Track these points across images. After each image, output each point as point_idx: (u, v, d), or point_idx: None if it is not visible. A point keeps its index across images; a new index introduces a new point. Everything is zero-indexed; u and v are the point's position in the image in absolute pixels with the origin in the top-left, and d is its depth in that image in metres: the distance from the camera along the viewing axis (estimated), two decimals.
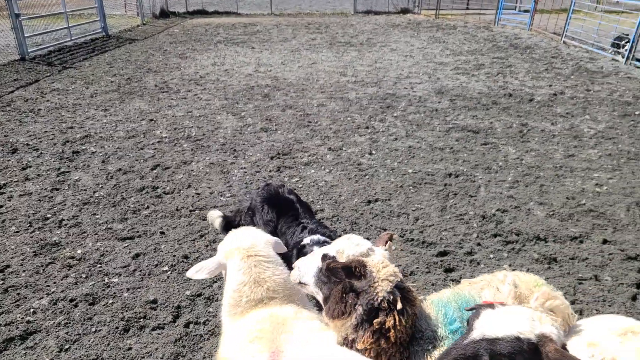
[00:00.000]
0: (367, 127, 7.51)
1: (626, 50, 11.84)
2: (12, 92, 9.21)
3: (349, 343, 2.00)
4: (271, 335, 1.99)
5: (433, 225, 4.79)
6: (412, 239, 4.54)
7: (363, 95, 9.26)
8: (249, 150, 6.60)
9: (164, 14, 20.69)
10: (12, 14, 11.38)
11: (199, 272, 2.28)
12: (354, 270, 1.94)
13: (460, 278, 3.97)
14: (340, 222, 4.82)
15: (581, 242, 4.51)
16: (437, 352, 1.96)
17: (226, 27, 18.26)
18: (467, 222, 4.86)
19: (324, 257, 2.09)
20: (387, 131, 7.35)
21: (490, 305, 1.73)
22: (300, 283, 2.21)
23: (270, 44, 14.79)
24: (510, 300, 2.20)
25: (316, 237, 3.03)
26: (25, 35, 11.88)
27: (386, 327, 1.91)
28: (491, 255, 4.32)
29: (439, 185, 5.63)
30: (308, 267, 2.16)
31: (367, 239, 4.49)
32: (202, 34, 16.55)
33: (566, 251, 4.36)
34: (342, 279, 1.97)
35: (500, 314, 1.67)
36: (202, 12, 22.00)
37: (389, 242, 2.31)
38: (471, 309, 1.81)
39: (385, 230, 4.70)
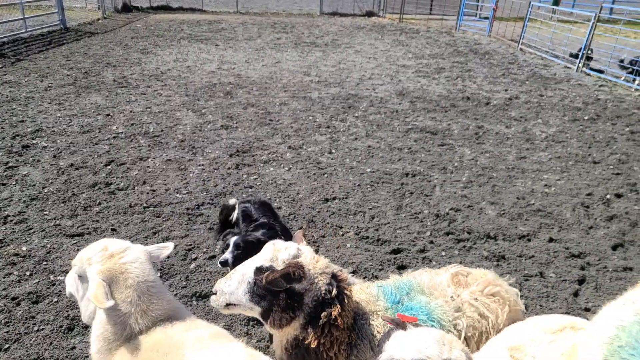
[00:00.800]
0: (328, 127, 7.58)
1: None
2: None
3: (299, 343, 2.03)
4: None
5: (388, 223, 4.89)
6: (367, 237, 4.62)
7: (326, 95, 9.33)
8: (208, 147, 6.53)
9: (127, 8, 20.13)
10: None
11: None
12: (293, 275, 1.96)
13: None
14: (296, 220, 4.85)
15: (529, 240, 4.72)
16: (379, 321, 2.08)
17: (190, 23, 17.96)
18: (422, 220, 4.99)
19: (259, 270, 2.04)
20: (348, 131, 7.44)
21: (402, 325, 1.80)
22: (227, 306, 2.12)
23: (235, 42, 14.66)
24: (448, 284, 2.30)
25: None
26: None
27: (333, 316, 1.97)
28: (443, 253, 4.45)
29: (396, 184, 5.75)
30: (235, 286, 2.08)
31: (323, 236, 4.56)
32: (165, 29, 16.22)
33: (514, 249, 4.55)
34: (284, 287, 1.97)
35: (409, 337, 1.72)
36: (166, 8, 21.55)
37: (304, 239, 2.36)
38: (388, 320, 1.89)
39: (341, 227, 4.76)
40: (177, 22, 17.98)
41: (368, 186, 5.67)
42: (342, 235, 4.65)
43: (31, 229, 4.35)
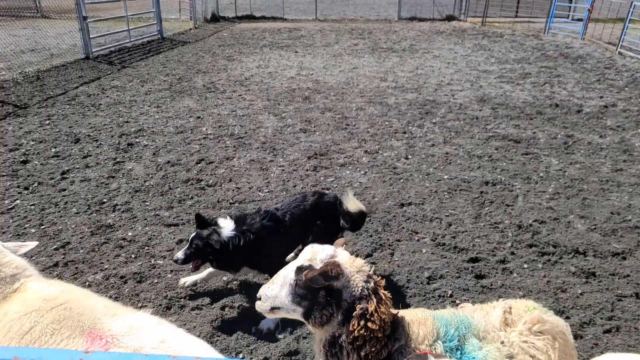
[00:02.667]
0: (405, 132, 7.59)
1: None
2: (77, 87, 9.94)
3: (335, 340, 2.13)
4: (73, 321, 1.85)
5: (466, 231, 4.83)
6: (444, 244, 4.60)
7: (402, 100, 9.33)
8: (287, 149, 6.84)
9: (215, 18, 21.48)
10: (80, 16, 12.26)
11: None
12: (331, 272, 2.04)
13: (492, 285, 4.01)
14: (372, 223, 4.94)
15: (623, 258, 4.41)
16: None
17: (272, 31, 18.76)
18: (502, 230, 4.86)
19: (299, 270, 2.13)
20: (425, 137, 7.40)
21: (424, 356, 1.83)
22: (272, 310, 2.22)
23: (313, 48, 15.09)
24: (499, 324, 2.26)
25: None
26: (91, 37, 12.74)
27: (369, 311, 2.04)
28: (525, 265, 4.31)
29: (474, 192, 5.64)
30: (278, 290, 2.18)
31: (398, 240, 4.60)
32: (249, 37, 17.10)
33: (606, 267, 4.28)
34: (323, 284, 2.07)
35: None
36: (250, 17, 22.68)
37: (344, 245, 2.43)
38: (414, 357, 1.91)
39: (416, 232, 4.79)
40: (260, 31, 18.87)
41: (445, 193, 5.62)
42: (418, 240, 4.67)
43: (135, 217, 4.88)
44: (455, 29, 19.57)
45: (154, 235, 4.53)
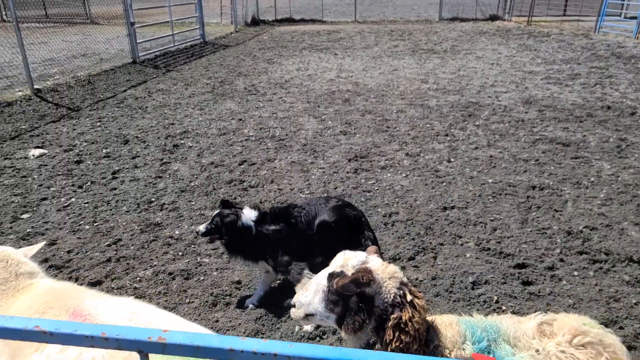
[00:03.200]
0: (447, 135, 7.46)
1: None
2: (125, 90, 10.38)
3: (369, 348, 2.11)
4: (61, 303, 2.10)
5: (512, 236, 4.69)
6: (489, 249, 4.49)
7: (444, 102, 9.18)
8: (328, 151, 6.87)
9: (255, 22, 21.88)
10: (128, 22, 12.80)
11: None
12: (362, 279, 2.03)
13: (539, 292, 3.89)
14: (414, 226, 4.89)
15: None
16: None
17: (311, 34, 18.89)
18: (550, 236, 4.69)
19: (331, 275, 2.14)
20: (468, 140, 7.25)
21: None
22: (306, 317, 2.23)
23: (353, 50, 15.08)
24: (531, 333, 2.16)
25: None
26: (137, 42, 13.27)
27: (403, 320, 2.01)
28: (575, 273, 4.15)
29: (520, 197, 5.48)
30: (312, 297, 2.19)
31: (441, 244, 4.54)
32: (288, 40, 17.30)
33: None
34: (354, 291, 2.05)
35: None
36: (289, 20, 22.95)
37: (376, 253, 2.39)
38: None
39: (460, 237, 4.70)
40: (299, 33, 19.05)
41: (490, 197, 5.49)
42: (462, 244, 4.58)
43: (182, 216, 5.04)
44: (499, 28, 19.06)
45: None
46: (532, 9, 19.90)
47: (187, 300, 3.72)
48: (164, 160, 6.56)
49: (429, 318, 2.17)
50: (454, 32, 18.56)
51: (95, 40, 16.62)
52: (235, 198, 5.47)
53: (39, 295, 2.18)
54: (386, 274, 2.11)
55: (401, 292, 2.06)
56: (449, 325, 2.18)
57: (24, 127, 8.04)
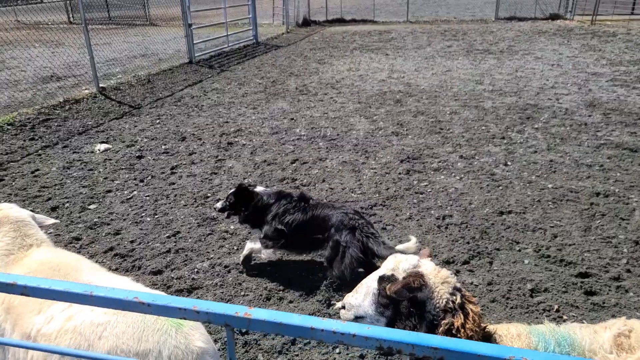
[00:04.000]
0: (503, 138, 7.22)
1: None
2: (182, 90, 10.81)
3: None
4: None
5: (574, 244, 4.48)
6: (549, 256, 4.31)
7: (500, 104, 8.89)
8: (379, 152, 6.84)
9: (306, 22, 22.10)
10: (185, 24, 13.32)
11: None
12: (413, 284, 1.99)
13: (604, 303, 3.69)
14: (469, 230, 4.77)
15: None
16: None
17: (362, 34, 18.85)
18: (616, 246, 4.44)
19: (382, 279, 2.11)
20: (526, 143, 6.98)
21: None
22: (355, 319, 2.21)
23: (405, 50, 14.90)
24: (609, 346, 2.02)
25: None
26: (194, 42, 13.78)
27: (455, 327, 1.95)
28: None
29: (583, 203, 5.21)
30: (362, 299, 2.18)
31: (497, 249, 4.40)
32: (339, 41, 17.35)
33: None
34: (407, 297, 2.02)
35: None
36: (340, 21, 23.00)
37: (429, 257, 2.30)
38: None
39: (517, 242, 4.54)
40: (350, 34, 19.06)
41: (549, 203, 5.26)
42: (519, 250, 4.42)
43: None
44: (560, 28, 18.20)
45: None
46: (597, 8, 18.84)
47: (242, 293, 3.82)
48: (219, 157, 6.77)
49: (491, 327, 2.11)
50: (511, 31, 17.91)
51: (154, 41, 17.43)
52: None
53: (35, 269, 2.37)
54: (438, 278, 2.07)
55: (454, 297, 2.01)
56: (517, 336, 2.09)
57: (90, 123, 8.56)
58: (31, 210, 4.38)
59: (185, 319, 1.32)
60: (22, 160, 6.85)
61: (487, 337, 2.08)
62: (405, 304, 2.06)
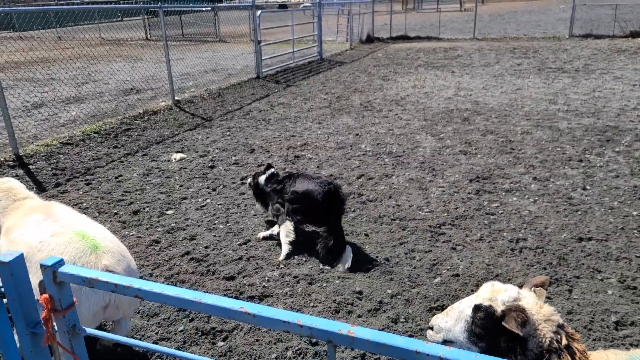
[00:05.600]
0: (581, 160, 6.86)
1: None
2: (250, 103, 11.25)
3: None
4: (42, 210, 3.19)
5: None
6: (635, 287, 4.02)
7: (576, 125, 8.46)
8: (447, 170, 6.72)
9: (370, 39, 22.30)
10: (255, 40, 13.91)
11: None
12: (517, 320, 1.91)
13: None
14: (545, 255, 4.56)
15: None
16: None
17: (426, 51, 18.71)
18: None
19: (477, 308, 2.04)
20: (606, 167, 6.58)
21: None
22: (444, 342, 2.16)
23: (471, 68, 14.61)
24: None
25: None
26: (262, 58, 14.34)
27: None
28: None
29: None
30: (452, 324, 2.12)
31: (577, 277, 4.18)
32: (403, 57, 17.33)
33: None
34: (505, 331, 1.94)
35: None
36: (404, 38, 22.99)
37: (540, 287, 2.17)
38: None
39: (599, 271, 4.27)
40: (414, 50, 18.98)
41: (635, 231, 4.92)
42: (602, 280, 4.16)
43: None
44: None
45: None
46: None
47: (311, 304, 3.88)
48: (287, 170, 6.95)
49: (589, 354, 2.02)
50: (586, 49, 17.04)
51: (223, 57, 18.30)
52: (354, 210, 5.61)
53: (28, 207, 3.30)
54: (541, 315, 1.99)
55: (558, 336, 1.93)
56: None
57: (166, 133, 9.11)
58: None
59: (288, 332, 1.38)
60: (107, 166, 7.41)
61: None
62: (504, 338, 2.00)
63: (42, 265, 1.43)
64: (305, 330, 1.34)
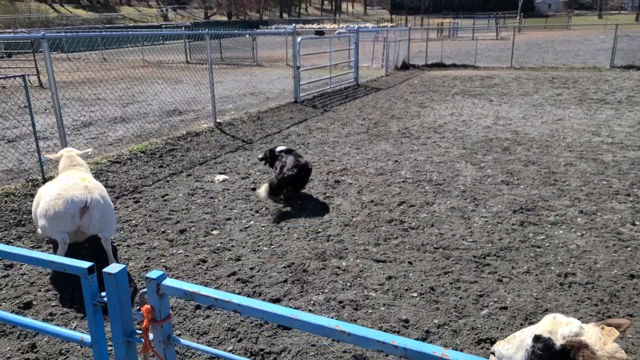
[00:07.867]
0: (629, 195, 6.68)
1: None
2: (289, 127, 11.51)
3: None
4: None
5: None
6: None
7: (622, 158, 8.26)
8: (489, 200, 6.67)
9: (405, 66, 22.53)
10: (295, 66, 14.31)
11: None
12: (578, 354, 1.88)
13: None
14: (596, 291, 4.45)
15: None
16: None
17: (463, 79, 18.72)
18: None
19: (537, 338, 2.03)
20: None
21: None
22: None
23: (510, 97, 14.52)
24: None
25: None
26: (300, 83, 14.71)
27: None
28: None
29: None
30: (513, 352, 2.13)
31: (630, 315, 4.07)
32: (439, 85, 17.40)
33: None
34: None
35: None
36: (439, 65, 23.11)
37: (613, 327, 2.12)
38: None
39: None
40: (450, 78, 19.03)
41: None
42: None
43: (346, 249, 5.35)
44: None
45: (364, 268, 4.89)
46: None
47: None
48: (327, 195, 7.06)
49: None
50: (629, 80, 16.68)
51: (260, 81, 18.85)
52: (396, 237, 5.63)
53: (70, 173, 4.99)
54: (605, 352, 1.97)
55: None
56: None
57: (209, 154, 9.41)
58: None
59: (382, 351, 1.44)
60: (153, 185, 7.70)
61: None
62: None
63: (147, 278, 1.55)
64: (399, 350, 1.40)
